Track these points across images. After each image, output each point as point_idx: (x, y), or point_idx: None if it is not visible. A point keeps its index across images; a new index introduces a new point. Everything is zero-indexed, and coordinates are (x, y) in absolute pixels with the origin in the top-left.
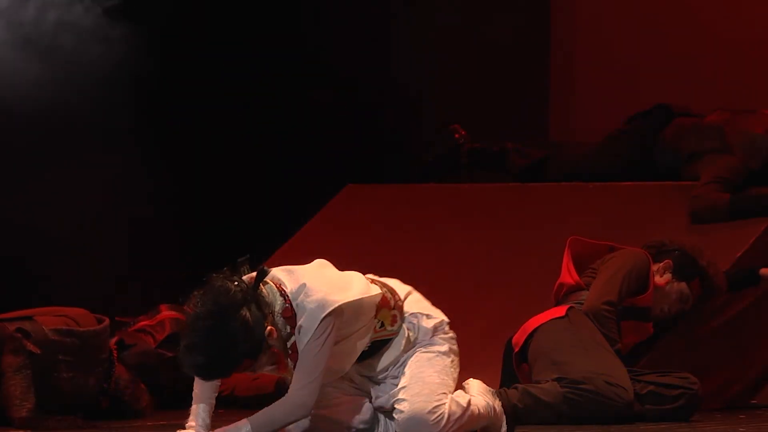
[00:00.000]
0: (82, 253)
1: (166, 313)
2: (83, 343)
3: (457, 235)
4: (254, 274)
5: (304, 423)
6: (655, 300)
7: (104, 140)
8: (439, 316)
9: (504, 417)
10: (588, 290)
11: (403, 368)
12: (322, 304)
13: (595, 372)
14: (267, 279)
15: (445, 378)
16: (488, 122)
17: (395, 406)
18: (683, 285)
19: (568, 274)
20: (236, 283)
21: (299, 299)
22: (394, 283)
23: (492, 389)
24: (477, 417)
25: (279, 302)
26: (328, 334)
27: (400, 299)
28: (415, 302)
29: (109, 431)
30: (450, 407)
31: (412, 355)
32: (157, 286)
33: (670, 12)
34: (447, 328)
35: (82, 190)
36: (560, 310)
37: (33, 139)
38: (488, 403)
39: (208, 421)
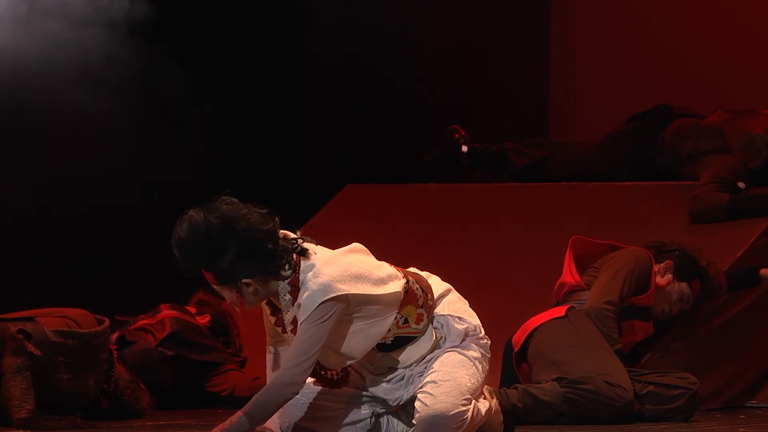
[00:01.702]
0: (82, 252)
1: (167, 312)
2: (84, 343)
3: (457, 234)
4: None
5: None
6: (656, 300)
7: (103, 140)
8: (472, 320)
9: (501, 416)
10: (589, 290)
11: (432, 363)
12: (325, 288)
13: (595, 372)
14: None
15: (475, 383)
16: (488, 122)
17: (419, 396)
18: (684, 285)
19: (570, 274)
20: (284, 238)
21: (307, 276)
22: (433, 281)
23: (490, 387)
24: (481, 420)
25: (290, 272)
26: (327, 319)
27: (431, 299)
28: (449, 304)
29: (109, 431)
30: (472, 414)
31: (442, 354)
32: (156, 285)
33: (669, 13)
34: (481, 333)
35: (81, 188)
36: (560, 310)
37: (29, 133)
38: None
39: None
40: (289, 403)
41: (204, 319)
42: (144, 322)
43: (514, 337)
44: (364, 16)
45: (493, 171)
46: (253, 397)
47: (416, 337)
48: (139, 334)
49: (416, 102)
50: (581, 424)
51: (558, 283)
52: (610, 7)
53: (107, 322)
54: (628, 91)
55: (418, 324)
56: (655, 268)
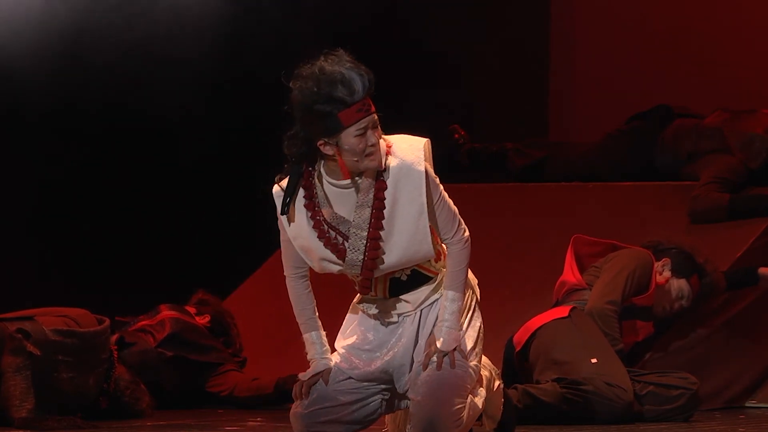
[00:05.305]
0: (82, 253)
1: (166, 312)
2: (84, 343)
3: None
4: None
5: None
6: (657, 298)
7: (103, 141)
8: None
9: (503, 400)
10: (590, 289)
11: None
12: (417, 152)
13: (595, 373)
14: None
15: (468, 378)
16: (488, 122)
17: (411, 397)
18: (683, 281)
19: (571, 273)
20: None
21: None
22: None
23: (495, 368)
24: (479, 411)
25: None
26: (438, 183)
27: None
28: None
29: (109, 431)
30: (469, 413)
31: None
32: (156, 285)
33: (669, 13)
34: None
35: (81, 189)
36: (563, 311)
37: (34, 135)
38: (486, 379)
39: (325, 344)
40: (300, 413)
41: (204, 320)
42: (144, 323)
43: (516, 336)
44: (364, 15)
45: (493, 171)
46: (447, 274)
47: (432, 278)
48: (138, 335)
49: (416, 102)
50: (581, 424)
51: (559, 282)
52: (610, 7)
53: (107, 321)
54: (628, 91)
55: (437, 263)
56: (655, 267)
